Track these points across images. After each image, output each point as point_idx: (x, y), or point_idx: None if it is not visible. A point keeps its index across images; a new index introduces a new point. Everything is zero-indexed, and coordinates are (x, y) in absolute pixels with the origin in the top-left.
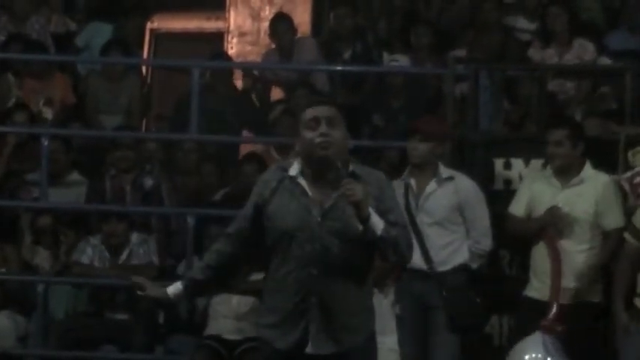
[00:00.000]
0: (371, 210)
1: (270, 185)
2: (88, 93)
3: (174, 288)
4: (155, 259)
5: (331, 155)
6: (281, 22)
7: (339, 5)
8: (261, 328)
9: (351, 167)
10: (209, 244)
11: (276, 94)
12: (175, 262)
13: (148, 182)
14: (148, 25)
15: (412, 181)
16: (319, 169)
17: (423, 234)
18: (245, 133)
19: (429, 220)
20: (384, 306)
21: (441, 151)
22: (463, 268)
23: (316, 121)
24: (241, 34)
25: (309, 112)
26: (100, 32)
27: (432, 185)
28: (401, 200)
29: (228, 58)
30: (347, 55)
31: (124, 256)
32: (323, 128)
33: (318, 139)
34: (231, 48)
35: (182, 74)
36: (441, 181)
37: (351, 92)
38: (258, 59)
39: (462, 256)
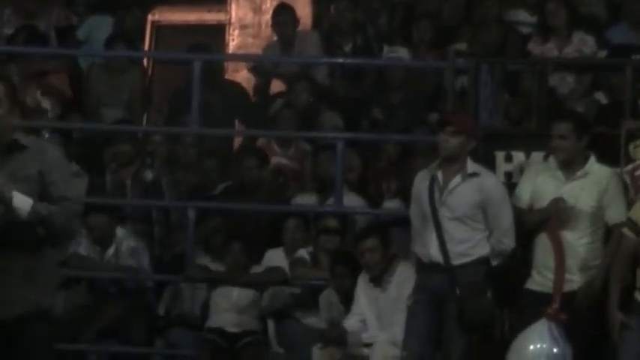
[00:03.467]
0: (15, 193)
1: None
2: (89, 86)
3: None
4: (146, 266)
5: None
6: (283, 13)
7: None
8: None
9: (20, 140)
10: (211, 237)
11: (277, 86)
12: (176, 255)
13: (149, 176)
14: (149, 18)
15: (439, 174)
16: None
17: (442, 227)
18: (238, 126)
19: (449, 214)
20: (382, 300)
21: (471, 146)
22: (484, 261)
23: None
24: (242, 27)
25: None
26: (100, 25)
27: (456, 180)
28: (425, 192)
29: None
30: (347, 48)
31: (111, 250)
32: None
33: None
34: (233, 40)
35: (183, 67)
36: (466, 177)
37: (351, 86)
38: (260, 52)
39: (483, 249)
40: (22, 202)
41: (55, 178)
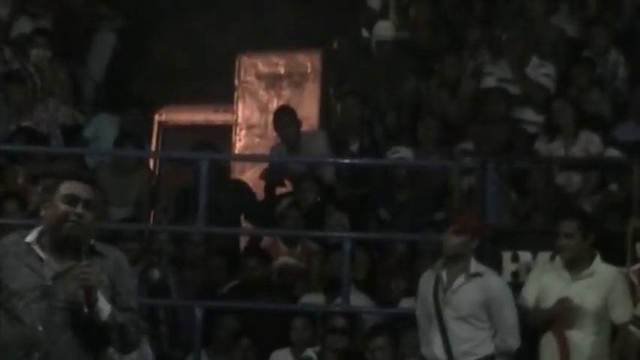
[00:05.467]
0: (100, 295)
1: (8, 251)
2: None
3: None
4: (150, 356)
5: (81, 236)
6: (283, 115)
7: (345, 96)
8: None
9: (92, 242)
10: (222, 334)
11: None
12: (183, 354)
13: (156, 275)
14: (156, 118)
15: (443, 274)
16: (61, 241)
17: (447, 327)
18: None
19: (454, 314)
20: None
21: (475, 245)
22: None
23: (74, 199)
24: (249, 127)
25: (69, 188)
26: (107, 124)
27: (460, 280)
28: (430, 292)
29: (218, 148)
30: (354, 147)
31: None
32: (79, 208)
33: (72, 217)
34: (239, 140)
35: (189, 167)
36: (470, 277)
37: (358, 185)
38: (266, 152)
39: (488, 348)
40: (104, 305)
41: (124, 289)
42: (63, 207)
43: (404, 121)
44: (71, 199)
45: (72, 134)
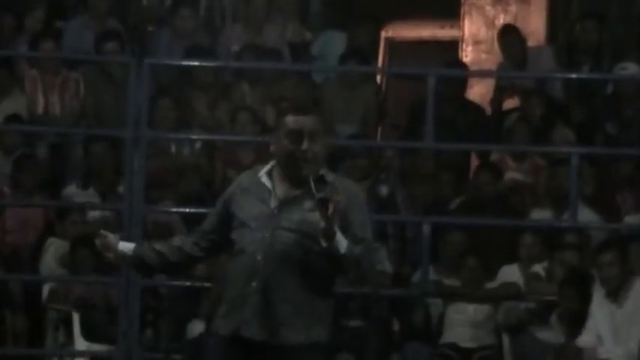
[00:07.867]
0: (336, 229)
1: (241, 185)
2: (323, 101)
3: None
4: (388, 267)
5: (309, 171)
6: (508, 35)
7: (587, 18)
8: (215, 320)
9: (321, 172)
10: (449, 250)
11: (510, 102)
12: (411, 270)
13: (384, 190)
14: (383, 34)
15: None
16: (291, 175)
17: None
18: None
19: None
20: (618, 316)
21: None
22: None
23: (298, 134)
24: (476, 42)
25: (293, 122)
26: (334, 41)
27: None
28: None
29: (463, 66)
30: (586, 67)
31: None
32: (305, 144)
33: (299, 155)
34: (466, 56)
35: (416, 83)
36: None
37: (585, 101)
38: (494, 67)
39: None
40: (341, 239)
41: (358, 219)
42: (288, 145)
43: (633, 37)
44: (296, 136)
45: (299, 51)
